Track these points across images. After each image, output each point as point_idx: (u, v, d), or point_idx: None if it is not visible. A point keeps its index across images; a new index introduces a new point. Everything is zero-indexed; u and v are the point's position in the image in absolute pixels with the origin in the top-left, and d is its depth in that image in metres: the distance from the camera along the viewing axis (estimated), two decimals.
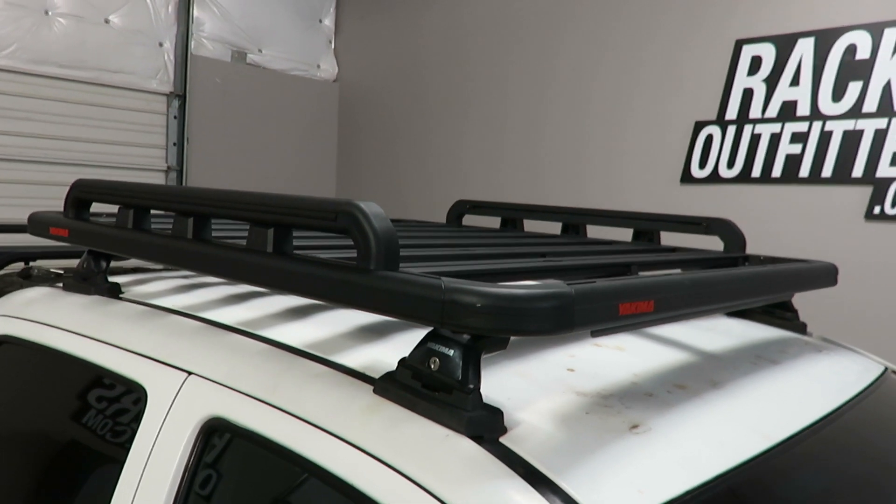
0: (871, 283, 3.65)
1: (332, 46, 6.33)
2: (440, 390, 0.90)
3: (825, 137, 3.81)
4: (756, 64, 4.05)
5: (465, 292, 0.84)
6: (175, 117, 5.35)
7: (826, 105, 3.82)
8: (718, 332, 1.49)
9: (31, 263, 1.99)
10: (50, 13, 4.65)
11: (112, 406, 1.30)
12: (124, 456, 1.15)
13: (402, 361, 0.96)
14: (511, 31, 5.15)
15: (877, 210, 3.64)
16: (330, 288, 0.99)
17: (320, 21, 6.24)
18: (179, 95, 5.32)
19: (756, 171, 4.05)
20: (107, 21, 4.92)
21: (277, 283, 1.08)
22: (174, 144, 5.36)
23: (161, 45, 5.21)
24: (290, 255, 1.10)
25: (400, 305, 0.90)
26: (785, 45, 3.95)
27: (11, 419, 1.57)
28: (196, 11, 5.37)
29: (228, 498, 1.09)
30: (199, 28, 5.43)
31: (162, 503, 1.06)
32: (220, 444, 1.08)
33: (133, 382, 1.22)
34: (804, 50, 3.89)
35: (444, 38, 5.60)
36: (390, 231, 0.96)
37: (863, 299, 3.66)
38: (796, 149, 3.91)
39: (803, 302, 1.75)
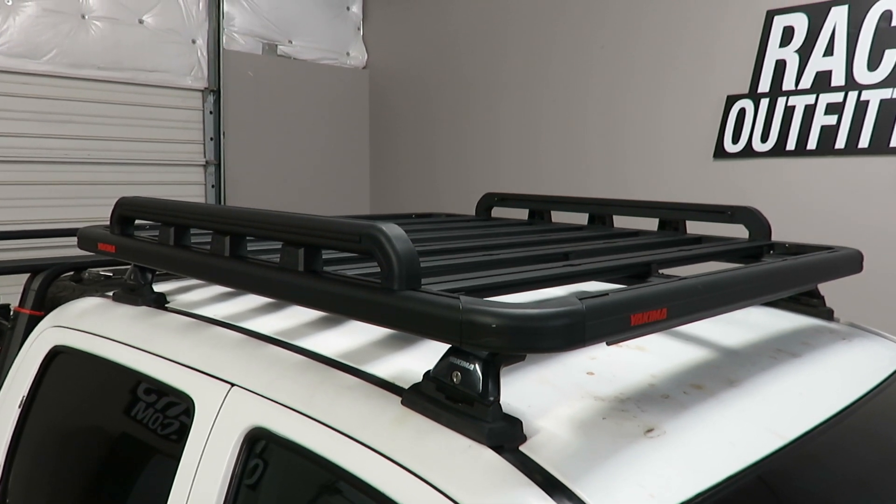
0: None
1: (361, 33, 6.37)
2: (462, 402, 0.96)
3: (861, 107, 3.74)
4: (788, 35, 3.97)
5: (482, 313, 0.89)
6: (210, 112, 5.47)
7: (861, 74, 3.74)
8: (740, 325, 1.51)
9: None
10: (86, 17, 4.78)
11: (163, 415, 1.39)
12: (176, 463, 1.24)
13: (427, 374, 1.02)
14: (544, 11, 5.12)
15: None
16: (356, 307, 1.05)
17: (348, 8, 6.27)
18: (214, 91, 5.43)
19: (790, 144, 4.00)
20: (140, 21, 5.03)
21: (308, 302, 1.15)
22: (211, 139, 5.49)
23: (194, 41, 5.31)
24: (319, 273, 1.16)
25: (421, 325, 0.96)
26: (818, 14, 3.87)
27: (67, 426, 1.68)
28: (226, 6, 5.45)
29: None
30: (229, 23, 5.52)
31: None
32: (262, 452, 1.16)
33: (182, 393, 1.31)
34: (837, 18, 3.80)
35: (474, 19, 5.59)
36: (411, 252, 1.02)
37: None
38: (831, 120, 3.84)
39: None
